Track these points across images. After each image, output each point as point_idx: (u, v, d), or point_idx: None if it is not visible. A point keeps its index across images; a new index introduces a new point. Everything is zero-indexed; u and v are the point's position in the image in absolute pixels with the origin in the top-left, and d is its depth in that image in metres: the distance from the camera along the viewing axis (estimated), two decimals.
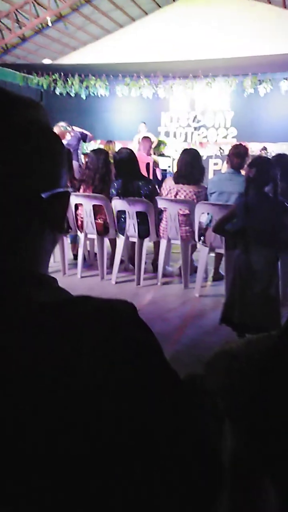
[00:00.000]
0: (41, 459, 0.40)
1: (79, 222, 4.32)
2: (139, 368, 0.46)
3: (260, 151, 7.73)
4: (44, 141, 0.52)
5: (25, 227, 0.50)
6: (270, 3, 10.81)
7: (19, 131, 0.49)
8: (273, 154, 5.10)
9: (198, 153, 4.21)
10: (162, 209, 4.06)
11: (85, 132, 6.83)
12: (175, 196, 4.00)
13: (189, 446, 0.50)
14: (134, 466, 0.43)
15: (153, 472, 0.44)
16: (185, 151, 4.19)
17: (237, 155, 3.74)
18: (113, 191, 4.07)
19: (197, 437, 0.53)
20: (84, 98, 9.49)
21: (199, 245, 3.98)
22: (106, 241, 4.35)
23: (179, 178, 4.02)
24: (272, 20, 10.55)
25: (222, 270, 3.99)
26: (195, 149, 4.48)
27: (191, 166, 3.96)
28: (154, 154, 8.17)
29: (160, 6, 11.85)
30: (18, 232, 0.50)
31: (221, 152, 8.90)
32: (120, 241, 4.18)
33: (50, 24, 10.40)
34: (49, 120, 0.54)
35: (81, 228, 4.32)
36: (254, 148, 7.95)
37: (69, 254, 4.64)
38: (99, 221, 4.19)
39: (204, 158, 8.72)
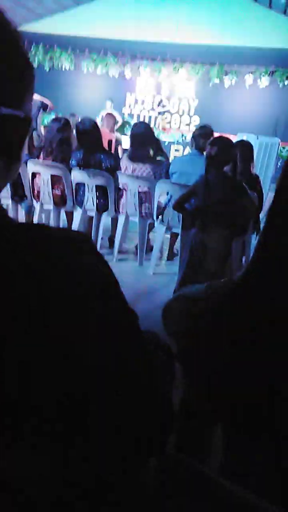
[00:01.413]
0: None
1: (35, 192, 4.17)
2: (100, 299, 0.46)
3: None
4: (12, 58, 0.48)
5: None
6: None
7: None
8: None
9: (149, 126, 4.09)
10: (121, 186, 4.00)
11: (45, 101, 6.59)
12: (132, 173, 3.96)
13: (141, 389, 0.50)
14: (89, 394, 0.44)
15: (102, 413, 0.45)
16: (136, 125, 4.05)
17: (203, 135, 3.75)
18: (73, 161, 3.97)
19: (149, 382, 0.53)
20: (48, 70, 9.15)
21: (156, 223, 3.98)
22: (62, 214, 4.24)
23: (133, 156, 3.94)
24: (243, 12, 10.66)
25: (176, 250, 4.03)
26: (145, 123, 4.36)
27: (144, 141, 3.87)
28: (118, 132, 8.06)
29: None
30: None
31: (183, 139, 8.96)
32: (77, 214, 4.10)
33: None
34: (21, 39, 0.49)
35: (37, 197, 4.18)
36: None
37: None
38: (57, 191, 4.07)
39: (166, 143, 8.78)
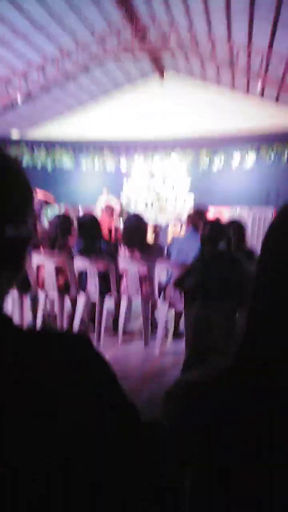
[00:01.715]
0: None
1: (40, 281, 4.28)
2: (95, 395, 0.50)
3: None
4: (14, 182, 0.55)
5: None
6: (220, 86, 12.05)
7: None
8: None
9: (141, 217, 4.26)
10: (121, 271, 4.11)
11: (47, 195, 7.01)
12: (131, 257, 4.08)
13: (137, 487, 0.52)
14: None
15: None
16: (128, 219, 4.28)
17: (197, 215, 3.93)
18: (75, 251, 4.13)
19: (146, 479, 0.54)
20: (49, 167, 9.90)
21: (159, 302, 4.01)
22: (66, 300, 4.30)
23: (129, 242, 4.09)
24: (223, 100, 11.70)
25: (182, 328, 4.00)
26: (136, 215, 4.59)
27: (137, 232, 4.06)
28: (116, 221, 8.41)
29: (122, 87, 12.94)
30: None
31: (179, 218, 9.31)
32: (81, 299, 4.16)
33: (19, 102, 11.03)
34: (21, 165, 0.58)
35: (41, 287, 4.27)
36: (212, 211, 8.40)
37: (28, 315, 4.52)
38: (60, 280, 4.18)
39: (163, 224, 9.12)
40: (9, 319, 0.54)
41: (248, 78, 10.51)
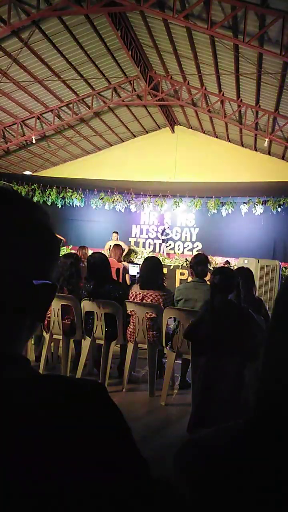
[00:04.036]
0: None
1: (45, 322, 4.25)
2: (107, 451, 0.49)
3: (224, 264, 8.21)
4: (44, 237, 0.58)
5: (10, 312, 0.54)
6: (229, 141, 12.53)
7: (19, 226, 0.55)
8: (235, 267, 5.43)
9: (159, 260, 4.44)
10: (130, 313, 4.10)
11: (59, 236, 7.11)
12: (141, 301, 4.08)
13: None
14: None
15: None
16: (148, 259, 4.41)
17: (199, 263, 3.97)
18: (84, 293, 4.13)
19: None
20: (60, 207, 10.09)
21: (166, 350, 3.95)
22: (71, 343, 4.25)
23: (144, 284, 4.15)
24: (232, 155, 12.13)
25: (189, 378, 3.91)
26: (156, 257, 4.72)
27: (153, 272, 4.14)
28: (125, 261, 8.49)
29: (135, 136, 13.45)
30: (3, 316, 0.53)
31: (187, 264, 9.36)
32: (86, 342, 4.10)
33: (34, 141, 11.46)
34: (48, 220, 0.61)
35: (46, 328, 4.24)
36: (218, 261, 8.45)
37: (31, 356, 4.46)
38: (67, 321, 4.15)
39: (171, 267, 9.17)
40: (27, 364, 0.54)
41: (256, 136, 10.97)
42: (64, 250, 8.62)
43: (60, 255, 4.88)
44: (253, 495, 0.63)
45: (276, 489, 0.61)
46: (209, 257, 5.59)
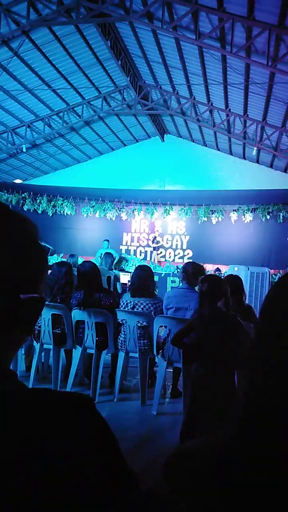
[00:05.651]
0: None
1: (36, 332, 4.22)
2: (93, 464, 0.49)
3: (214, 271, 8.25)
4: (31, 250, 0.59)
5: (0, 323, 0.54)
6: (219, 150, 12.66)
7: (9, 240, 0.56)
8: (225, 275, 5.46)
9: (150, 268, 4.48)
10: (121, 321, 4.09)
11: (47, 246, 7.08)
12: (132, 309, 4.08)
13: None
14: None
15: None
16: (139, 267, 4.42)
17: (196, 274, 3.97)
18: (74, 301, 4.11)
19: None
20: (51, 215, 10.07)
21: (157, 359, 3.95)
22: (62, 352, 4.22)
23: (135, 291, 4.16)
24: (221, 163, 12.26)
25: (180, 386, 3.91)
26: (147, 265, 4.74)
27: (145, 280, 4.15)
28: (115, 269, 8.48)
29: (125, 145, 13.53)
30: None
31: (178, 272, 9.38)
32: (77, 352, 4.08)
33: (24, 150, 11.46)
34: (37, 233, 0.62)
35: (37, 338, 4.21)
36: (208, 269, 8.49)
37: (21, 366, 4.42)
38: (57, 331, 4.12)
39: (162, 275, 9.18)
40: (14, 378, 0.54)
41: (244, 145, 11.11)
42: (55, 259, 8.59)
43: (51, 263, 4.83)
44: (235, 508, 0.64)
45: (258, 502, 0.61)
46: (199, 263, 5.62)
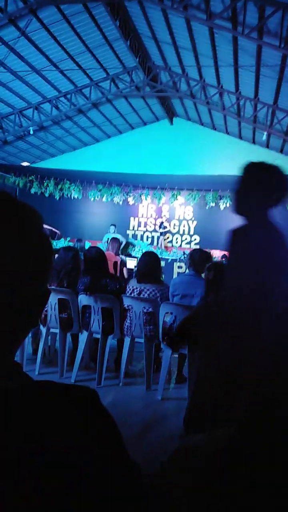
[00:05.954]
0: None
1: (43, 316, 4.25)
2: (96, 457, 0.49)
3: (221, 258, 8.22)
4: (35, 242, 0.58)
5: (3, 318, 0.54)
6: (228, 133, 12.47)
7: (15, 230, 0.55)
8: None
9: (157, 255, 4.49)
10: (127, 307, 4.10)
11: (54, 229, 7.08)
12: (138, 295, 4.09)
13: None
14: None
15: None
16: (146, 253, 4.44)
17: (202, 261, 3.94)
18: (81, 287, 4.13)
19: None
20: (58, 198, 10.04)
21: (163, 345, 3.97)
22: (68, 336, 4.26)
23: (141, 277, 4.16)
24: (230, 147, 12.07)
25: (185, 372, 3.94)
26: (154, 252, 4.75)
27: (151, 266, 4.15)
28: (122, 254, 8.48)
29: (133, 128, 13.36)
30: None
31: (185, 257, 9.36)
32: (83, 337, 4.12)
33: (31, 132, 11.37)
34: (41, 223, 0.60)
35: (43, 322, 4.24)
36: (215, 255, 8.46)
37: (28, 349, 4.47)
38: (64, 315, 4.15)
39: (169, 261, 9.17)
40: (19, 370, 0.54)
41: (254, 129, 10.90)
42: (62, 243, 8.60)
43: (59, 248, 4.83)
44: (237, 504, 0.64)
45: (258, 499, 0.62)
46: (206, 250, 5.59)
